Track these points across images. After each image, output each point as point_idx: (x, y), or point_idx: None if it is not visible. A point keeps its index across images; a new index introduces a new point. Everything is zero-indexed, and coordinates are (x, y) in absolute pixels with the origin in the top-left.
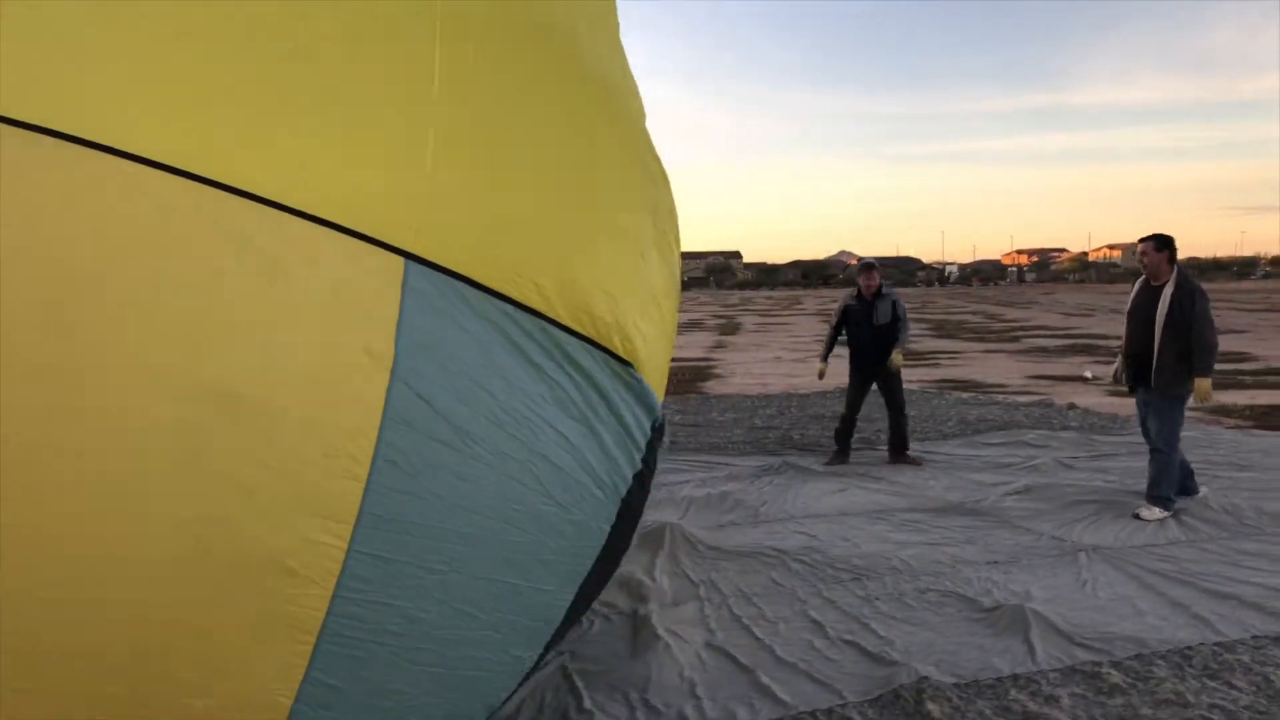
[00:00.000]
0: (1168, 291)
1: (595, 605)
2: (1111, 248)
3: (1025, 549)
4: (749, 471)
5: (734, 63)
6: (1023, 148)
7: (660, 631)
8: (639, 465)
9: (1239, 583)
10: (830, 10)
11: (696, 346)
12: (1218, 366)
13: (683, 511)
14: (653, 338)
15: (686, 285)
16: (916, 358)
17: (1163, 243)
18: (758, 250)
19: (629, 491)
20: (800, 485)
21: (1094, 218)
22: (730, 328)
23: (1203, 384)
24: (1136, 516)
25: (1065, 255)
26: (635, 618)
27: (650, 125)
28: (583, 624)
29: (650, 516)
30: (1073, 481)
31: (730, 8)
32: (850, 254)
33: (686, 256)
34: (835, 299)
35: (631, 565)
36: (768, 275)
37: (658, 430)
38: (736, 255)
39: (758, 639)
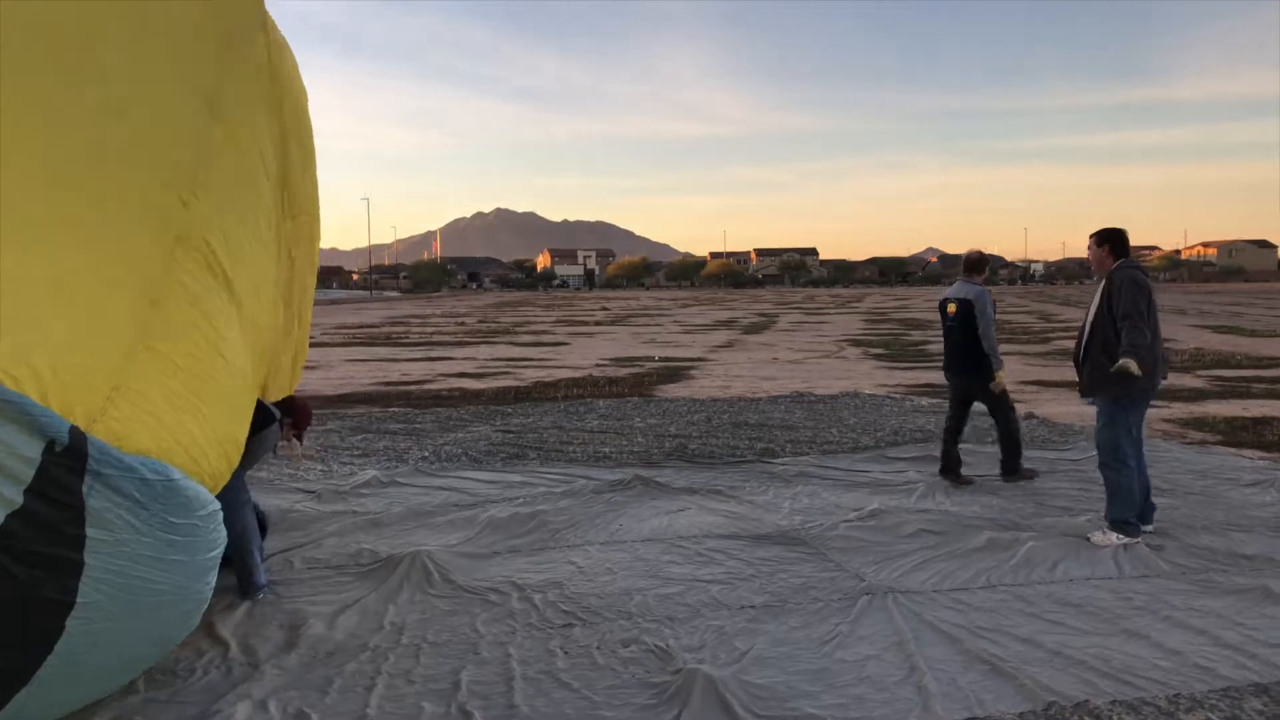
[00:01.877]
0: (1100, 287)
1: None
2: (1206, 245)
3: (805, 590)
4: (594, 487)
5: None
6: (1118, 143)
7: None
8: (20, 501)
9: (1030, 644)
10: (922, 6)
11: (703, 346)
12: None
13: (470, 534)
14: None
15: (759, 282)
16: (921, 358)
17: (1103, 237)
18: (835, 247)
19: (8, 533)
20: (635, 504)
21: (1191, 215)
22: (757, 327)
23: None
24: (1087, 539)
25: (1156, 253)
26: (230, 669)
27: (717, 127)
28: (196, 670)
29: (431, 539)
30: (939, 508)
31: (816, 6)
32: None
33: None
34: (908, 297)
35: (319, 603)
36: (843, 272)
37: (65, 454)
38: (812, 252)
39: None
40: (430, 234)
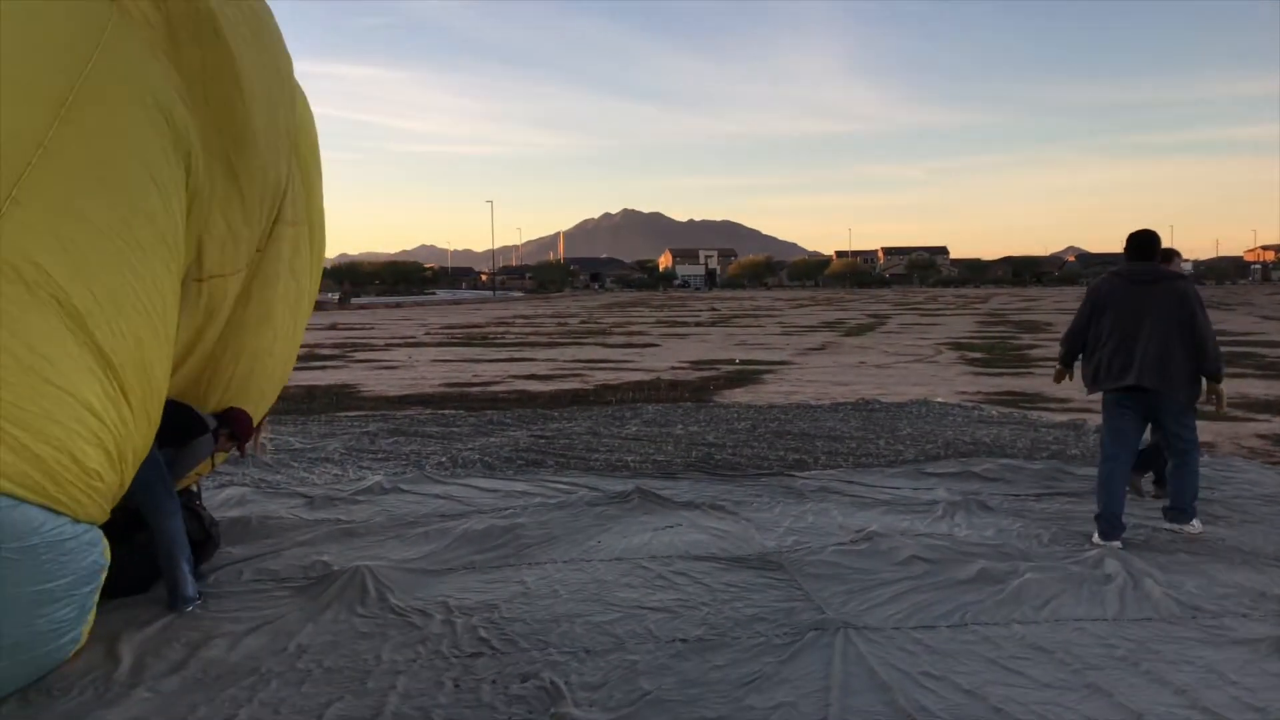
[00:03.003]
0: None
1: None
2: None
3: (751, 623)
4: (592, 499)
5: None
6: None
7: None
8: None
9: (972, 696)
10: None
11: (793, 349)
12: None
13: (437, 547)
14: None
15: (885, 282)
16: (1019, 363)
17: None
18: (967, 245)
19: None
20: (625, 519)
21: None
22: (862, 329)
23: None
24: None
25: None
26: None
27: (847, 124)
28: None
29: (394, 551)
30: (948, 531)
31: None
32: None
33: (889, 252)
34: (1038, 298)
35: (240, 620)
36: (974, 272)
37: None
38: (942, 251)
39: None
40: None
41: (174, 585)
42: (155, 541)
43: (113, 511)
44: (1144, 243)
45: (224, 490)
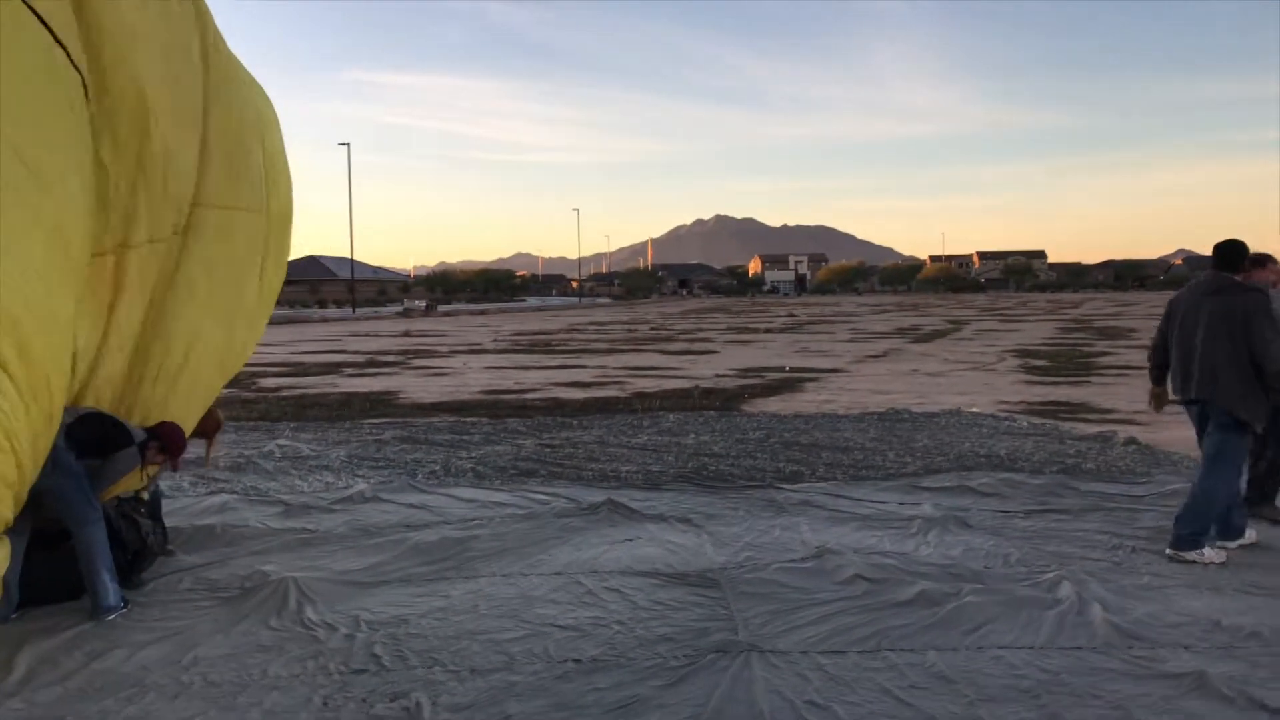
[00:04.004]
0: None
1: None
2: None
3: (656, 644)
4: (560, 510)
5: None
6: None
7: None
8: None
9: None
10: None
11: (852, 356)
12: None
13: (384, 558)
14: None
15: (979, 286)
16: (1080, 371)
17: None
18: (1067, 249)
19: None
20: (586, 532)
21: None
22: (934, 335)
23: None
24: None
25: None
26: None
27: (941, 125)
28: None
29: (342, 561)
30: (901, 550)
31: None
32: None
33: (985, 256)
34: (1134, 302)
35: (152, 629)
36: (1074, 276)
37: None
38: (1040, 255)
39: None
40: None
41: (94, 594)
42: (77, 551)
43: (43, 520)
44: (1225, 252)
45: (212, 497)
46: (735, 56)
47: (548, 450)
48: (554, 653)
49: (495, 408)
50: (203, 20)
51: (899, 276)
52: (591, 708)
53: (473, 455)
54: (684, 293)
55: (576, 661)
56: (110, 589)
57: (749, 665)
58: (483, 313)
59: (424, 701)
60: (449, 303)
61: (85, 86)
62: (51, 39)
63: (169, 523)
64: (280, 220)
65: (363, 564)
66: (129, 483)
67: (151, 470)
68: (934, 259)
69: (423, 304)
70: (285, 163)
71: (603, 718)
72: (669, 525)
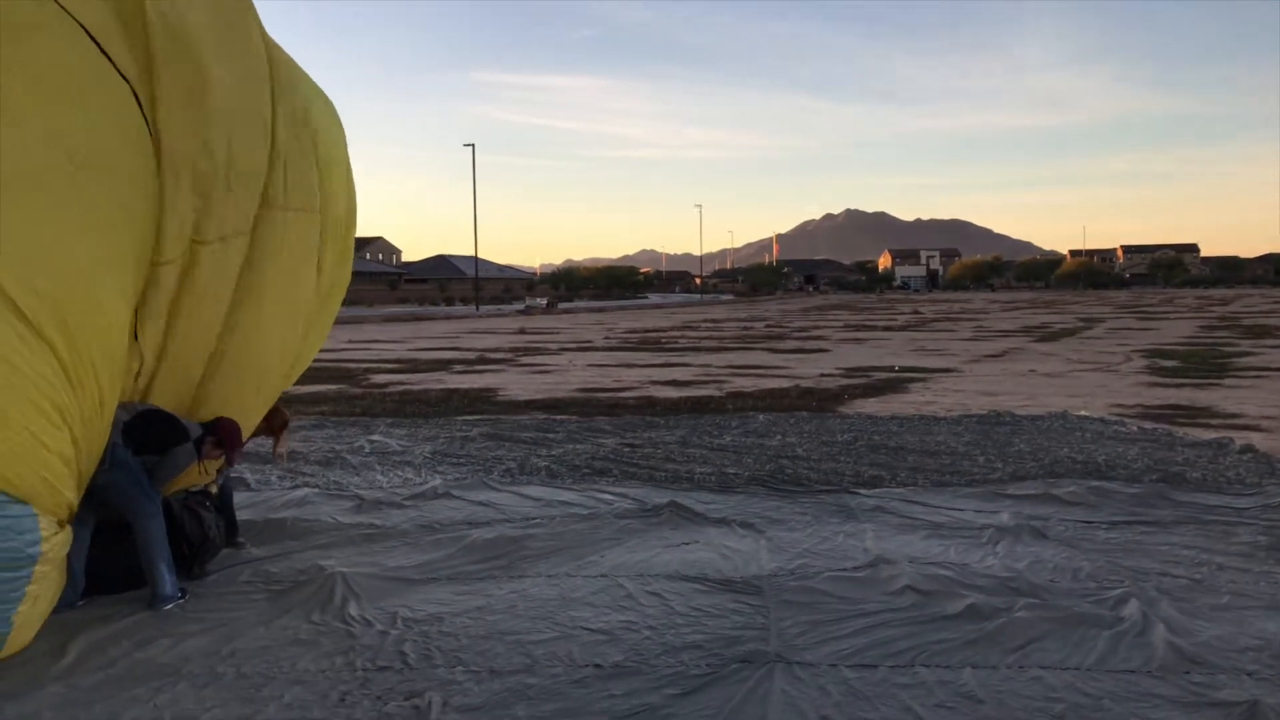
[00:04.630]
0: None
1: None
2: None
3: (681, 651)
4: (623, 510)
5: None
6: None
7: None
8: None
9: None
10: None
11: (968, 355)
12: None
13: (438, 556)
14: None
15: (1124, 283)
16: (1212, 373)
17: None
18: (1222, 242)
19: None
20: (643, 535)
21: None
22: (1062, 333)
23: None
24: None
25: None
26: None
27: (1082, 115)
28: None
29: (395, 558)
30: (961, 561)
31: None
32: None
33: (1130, 251)
34: None
35: (203, 620)
36: (1229, 270)
37: None
38: (1192, 249)
39: None
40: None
41: (152, 584)
42: (137, 543)
43: (107, 513)
44: None
45: (294, 491)
46: (869, 49)
47: (627, 450)
48: (577, 656)
49: (586, 406)
50: (260, 24)
51: (1036, 272)
52: (599, 715)
53: (552, 453)
54: (809, 289)
55: (598, 666)
56: (167, 580)
57: (771, 677)
58: (601, 310)
59: (435, 701)
60: (570, 300)
61: (136, 95)
62: (100, 51)
63: (246, 516)
64: (338, 222)
65: (416, 560)
66: (191, 477)
67: (210, 465)
68: (1074, 253)
69: (544, 301)
70: (346, 166)
71: None
72: (729, 529)
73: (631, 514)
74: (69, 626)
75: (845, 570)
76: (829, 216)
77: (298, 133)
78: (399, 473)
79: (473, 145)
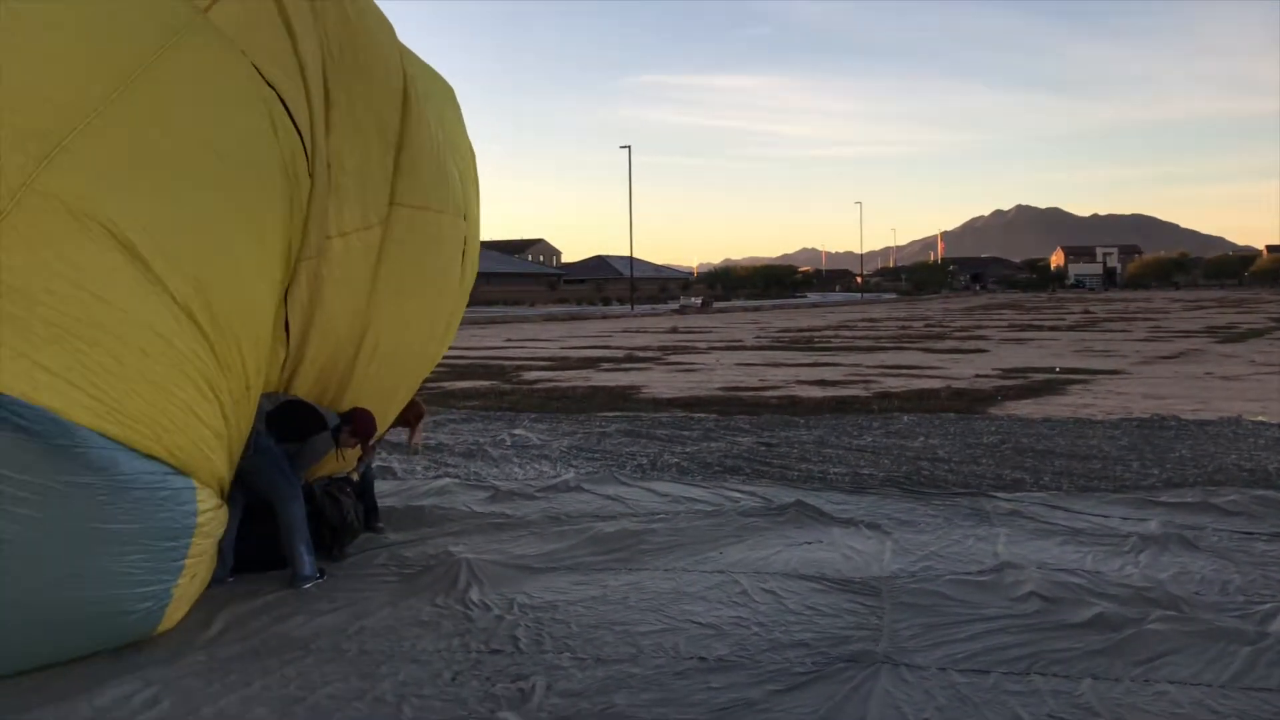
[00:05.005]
0: None
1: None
2: None
3: (786, 648)
4: (748, 508)
5: None
6: None
7: None
8: None
9: None
10: None
11: (1137, 357)
12: None
13: (560, 546)
14: None
15: None
16: None
17: None
18: None
19: None
20: (765, 533)
21: None
22: (1246, 335)
23: None
24: None
25: None
26: None
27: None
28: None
29: (520, 547)
30: (1095, 569)
31: None
32: None
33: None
34: None
35: (334, 600)
36: None
37: None
38: None
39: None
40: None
41: (293, 565)
42: (279, 525)
43: (254, 496)
44: None
45: (436, 480)
46: (1042, 35)
47: (762, 449)
48: (683, 649)
49: (728, 404)
50: (395, 36)
51: (1227, 269)
52: (696, 707)
53: (685, 451)
54: (976, 288)
55: (701, 659)
56: (306, 561)
57: (876, 677)
58: (757, 309)
59: (540, 685)
60: (727, 299)
61: (283, 101)
62: (250, 64)
63: (390, 503)
64: (474, 225)
65: (540, 550)
66: (331, 464)
67: (349, 453)
68: (1271, 249)
69: (699, 301)
70: (475, 174)
71: (704, 717)
72: (855, 530)
73: (756, 512)
74: (217, 600)
75: (969, 574)
76: (998, 213)
77: (434, 138)
78: (535, 466)
79: (629, 147)
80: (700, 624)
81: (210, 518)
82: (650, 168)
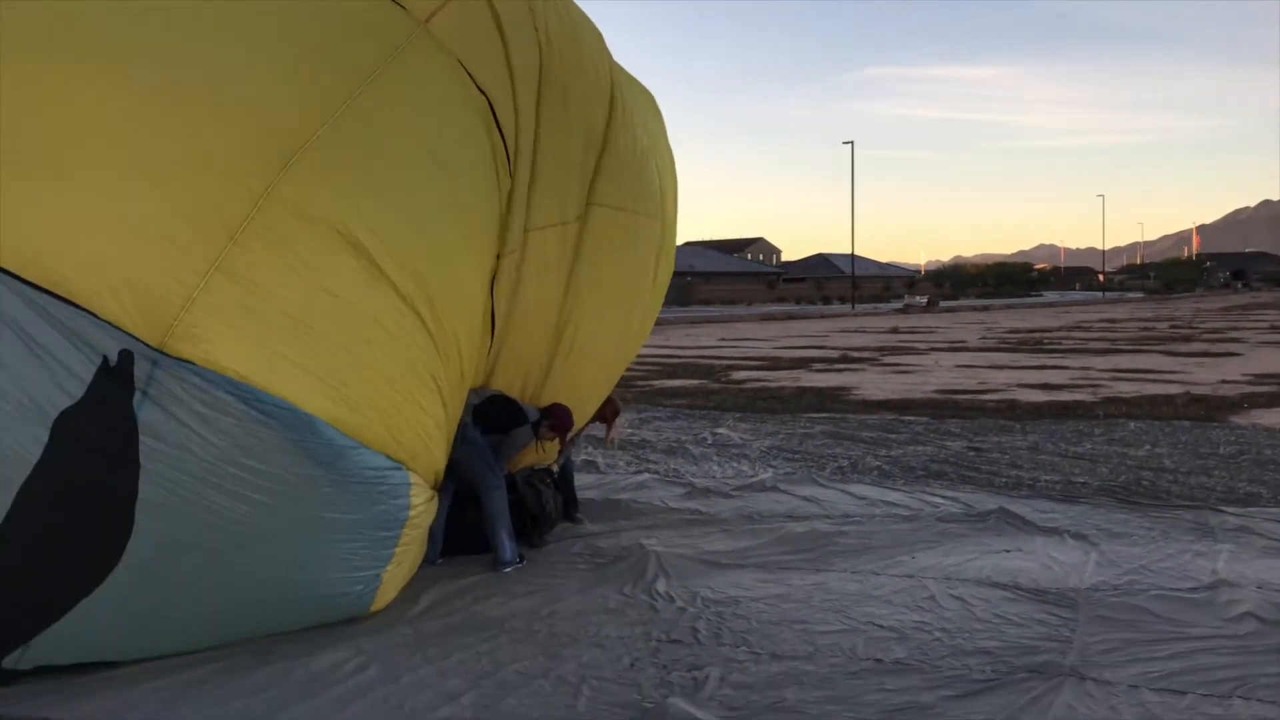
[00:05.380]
0: None
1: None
2: None
3: (968, 655)
4: (948, 514)
5: None
6: None
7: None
8: (80, 395)
9: None
10: None
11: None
12: None
13: (751, 544)
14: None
15: None
16: None
17: None
18: None
19: (64, 414)
20: (962, 539)
21: None
22: None
23: None
24: None
25: None
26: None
27: None
28: None
29: (708, 542)
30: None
31: None
32: None
33: None
34: None
35: (530, 584)
36: None
37: (114, 370)
38: None
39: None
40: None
41: (495, 549)
42: (483, 513)
43: (460, 484)
44: None
45: (636, 476)
46: None
47: (971, 454)
48: (861, 650)
49: (941, 407)
50: (601, 44)
51: None
52: (867, 707)
53: (890, 454)
54: (1237, 285)
55: (878, 661)
56: (507, 546)
57: (1058, 690)
58: (986, 308)
59: (714, 676)
60: (955, 298)
61: (491, 107)
62: (464, 71)
63: (591, 495)
64: (670, 229)
65: (729, 547)
66: (531, 456)
67: (549, 446)
68: None
69: (924, 300)
70: (673, 176)
71: (873, 718)
72: (1059, 540)
73: (955, 518)
74: (426, 580)
75: (1179, 590)
76: (1266, 204)
77: (637, 142)
78: (734, 464)
79: (851, 143)
80: (881, 626)
81: (421, 510)
82: (876, 162)
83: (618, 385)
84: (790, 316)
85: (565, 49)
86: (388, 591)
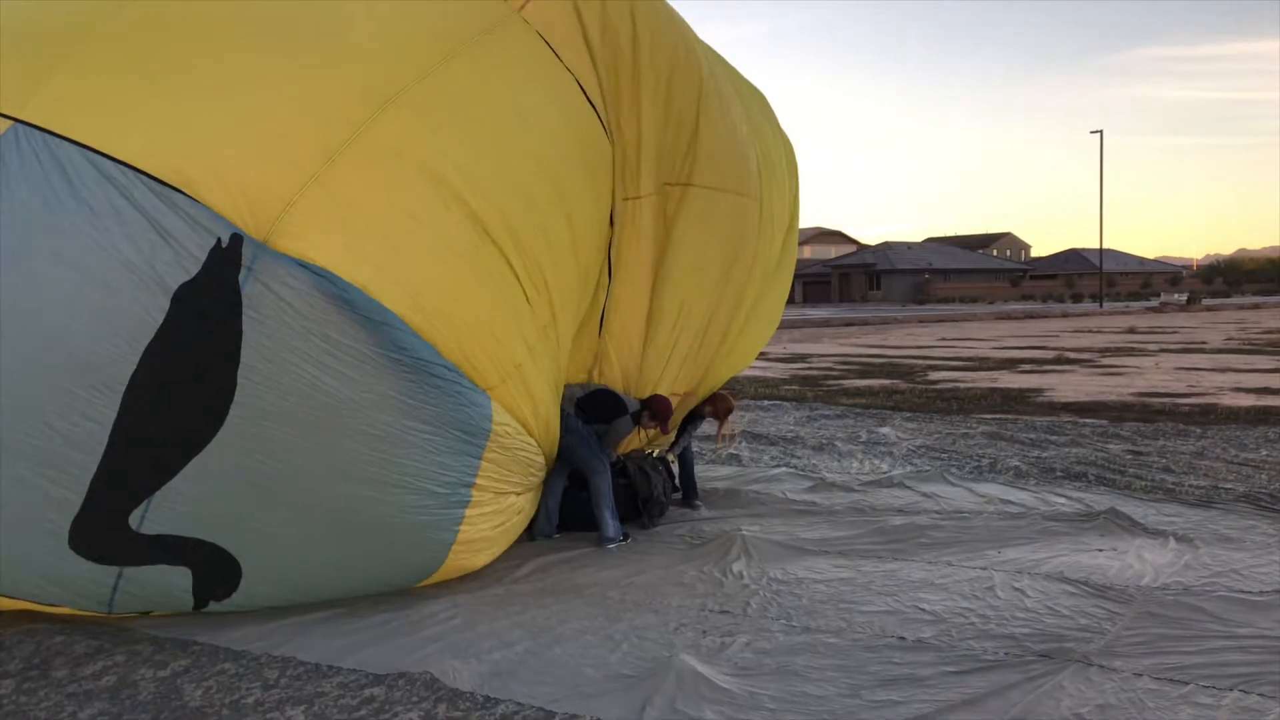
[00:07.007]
0: None
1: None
2: None
3: (1013, 641)
4: (1056, 513)
5: None
6: None
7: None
8: (195, 272)
9: None
10: None
11: None
12: None
13: (845, 534)
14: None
15: None
16: None
17: None
18: None
19: (183, 287)
20: (1061, 537)
21: None
22: None
23: None
24: None
25: None
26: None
27: None
28: None
29: (804, 530)
30: None
31: None
32: None
33: None
34: None
35: (625, 560)
36: None
37: (225, 251)
38: None
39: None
40: None
41: (600, 527)
42: (589, 493)
43: (572, 469)
44: None
45: (772, 469)
46: None
47: (1127, 457)
48: (890, 629)
49: (1127, 410)
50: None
51: None
52: (865, 675)
53: (1040, 455)
54: None
55: (900, 639)
56: (610, 525)
57: (1057, 673)
58: (1256, 306)
59: (740, 642)
60: (1228, 295)
61: (579, 80)
62: (551, 51)
63: (720, 485)
64: (779, 219)
65: (825, 535)
66: (631, 442)
67: (651, 435)
68: None
69: (1183, 297)
70: (785, 165)
71: (875, 691)
72: (1160, 542)
73: (1063, 517)
74: (536, 550)
75: (1248, 593)
76: None
77: (731, 125)
78: (874, 461)
79: (1100, 132)
80: (924, 610)
81: (507, 431)
82: (1138, 150)
83: (737, 381)
84: (1029, 315)
85: (654, 37)
86: (484, 549)
